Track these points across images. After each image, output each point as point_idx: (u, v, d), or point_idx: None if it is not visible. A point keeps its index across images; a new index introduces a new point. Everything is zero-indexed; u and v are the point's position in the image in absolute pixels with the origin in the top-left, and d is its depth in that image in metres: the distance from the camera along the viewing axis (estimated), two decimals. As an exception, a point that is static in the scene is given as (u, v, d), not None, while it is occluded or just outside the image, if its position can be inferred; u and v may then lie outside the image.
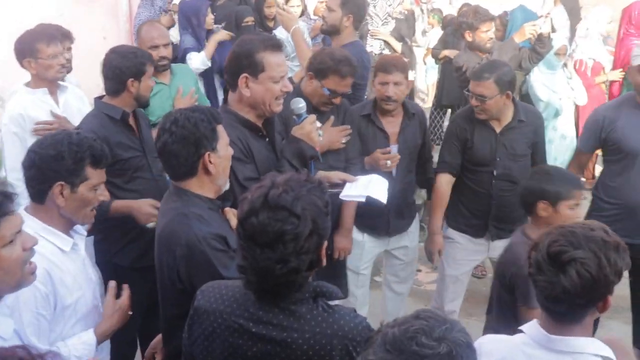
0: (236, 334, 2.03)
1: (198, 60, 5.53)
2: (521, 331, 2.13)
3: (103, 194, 2.64)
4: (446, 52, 7.23)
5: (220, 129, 2.61)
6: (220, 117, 2.64)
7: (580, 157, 4.49)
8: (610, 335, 2.40)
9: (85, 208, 2.57)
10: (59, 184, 2.46)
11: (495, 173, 4.12)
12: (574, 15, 7.20)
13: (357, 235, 4.43)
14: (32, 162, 2.48)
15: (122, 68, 3.59)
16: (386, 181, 3.65)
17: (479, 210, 4.25)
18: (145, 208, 3.43)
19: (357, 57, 4.48)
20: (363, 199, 3.36)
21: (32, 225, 2.41)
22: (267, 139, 3.16)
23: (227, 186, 2.69)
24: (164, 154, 2.58)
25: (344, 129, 3.97)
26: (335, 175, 3.38)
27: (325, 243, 1.99)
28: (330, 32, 4.81)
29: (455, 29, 6.27)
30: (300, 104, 3.23)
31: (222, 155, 2.60)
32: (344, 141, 3.94)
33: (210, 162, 2.54)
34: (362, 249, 4.43)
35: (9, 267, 2.03)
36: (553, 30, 6.07)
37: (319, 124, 3.18)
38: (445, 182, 4.32)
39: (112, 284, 2.70)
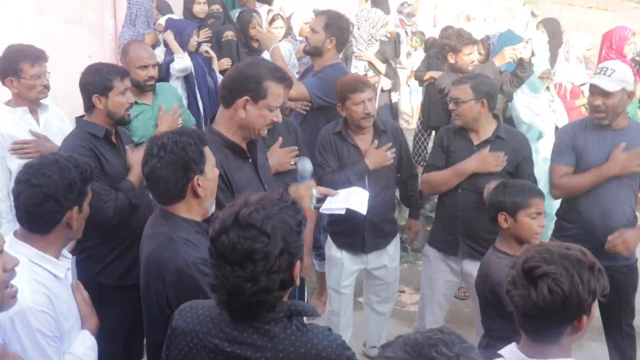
0: (212, 354, 2.03)
1: (183, 62, 5.58)
2: (501, 355, 2.12)
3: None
4: (431, 74, 7.28)
5: (207, 150, 2.61)
6: (206, 139, 2.64)
7: (564, 171, 4.13)
8: None
9: (83, 222, 2.58)
10: (75, 209, 2.47)
11: (461, 184, 4.16)
12: (557, 39, 7.27)
13: (335, 252, 4.49)
14: (46, 196, 2.40)
15: (86, 85, 3.62)
16: (367, 193, 3.72)
17: (448, 223, 4.30)
18: None
19: (335, 76, 4.55)
20: (343, 212, 3.40)
21: (25, 252, 2.39)
22: (250, 160, 3.17)
23: (213, 208, 2.68)
24: (152, 179, 2.56)
25: (291, 149, 4.07)
26: (317, 190, 3.40)
27: (298, 263, 1.99)
28: (312, 53, 4.86)
29: (439, 51, 6.32)
30: (308, 167, 3.28)
31: (209, 177, 2.60)
32: (292, 162, 4.00)
33: (199, 185, 2.54)
34: (341, 267, 4.48)
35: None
36: (533, 54, 6.13)
37: (316, 193, 3.18)
38: (430, 174, 4.37)
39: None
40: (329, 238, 4.57)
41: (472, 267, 3.99)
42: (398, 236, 4.66)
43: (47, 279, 2.43)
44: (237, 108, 3.01)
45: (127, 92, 3.70)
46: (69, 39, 6.56)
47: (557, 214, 4.42)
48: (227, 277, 1.90)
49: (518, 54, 5.43)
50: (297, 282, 2.02)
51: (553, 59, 6.90)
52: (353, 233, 4.35)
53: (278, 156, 4.03)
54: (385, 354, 1.54)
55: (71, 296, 2.58)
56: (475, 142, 4.21)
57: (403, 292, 5.93)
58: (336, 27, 4.72)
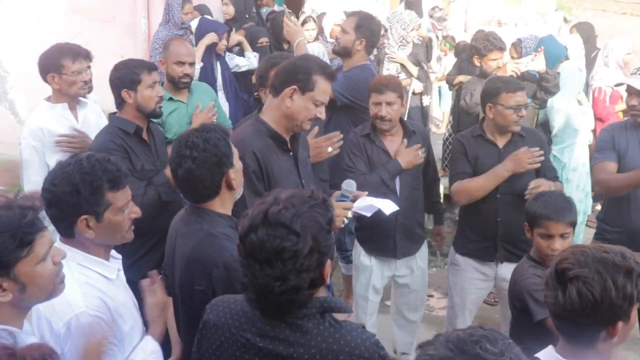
0: (243, 349, 2.02)
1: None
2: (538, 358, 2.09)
3: (133, 211, 2.48)
4: (461, 78, 7.23)
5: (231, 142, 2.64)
6: (229, 132, 2.66)
7: (607, 167, 4.07)
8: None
9: (119, 232, 2.44)
10: (82, 219, 2.32)
11: (499, 188, 4.07)
12: (591, 43, 7.20)
13: (364, 259, 4.42)
14: (49, 202, 2.31)
15: (115, 80, 3.68)
16: (396, 207, 3.64)
17: (486, 230, 4.19)
18: None
19: (362, 77, 4.55)
20: (369, 213, 3.38)
21: (73, 256, 2.32)
22: (291, 154, 3.22)
23: (238, 196, 2.71)
24: (188, 180, 2.54)
25: (330, 137, 3.93)
26: (352, 213, 3.36)
27: (329, 261, 1.96)
28: (342, 54, 4.85)
29: (469, 55, 6.29)
30: (351, 187, 3.25)
31: (237, 168, 2.63)
32: (330, 150, 3.90)
33: (231, 178, 2.56)
34: (370, 274, 4.41)
35: (42, 283, 2.00)
36: (567, 57, 6.07)
37: (350, 214, 3.18)
38: (459, 184, 4.17)
39: (146, 282, 2.60)
40: (357, 244, 4.50)
41: (508, 272, 3.89)
42: (426, 243, 4.61)
43: (98, 281, 2.38)
44: (285, 97, 3.10)
45: (156, 85, 3.73)
46: (102, 38, 6.64)
47: (598, 217, 4.37)
48: (256, 276, 1.89)
49: (522, 68, 5.37)
50: (328, 280, 1.99)
51: (587, 64, 6.82)
52: (384, 237, 4.29)
53: (316, 144, 3.88)
54: (428, 352, 1.52)
55: (127, 297, 2.54)
56: (500, 145, 4.15)
57: (431, 296, 5.88)
58: (367, 28, 4.69)
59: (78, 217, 2.32)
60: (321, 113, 3.16)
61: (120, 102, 3.70)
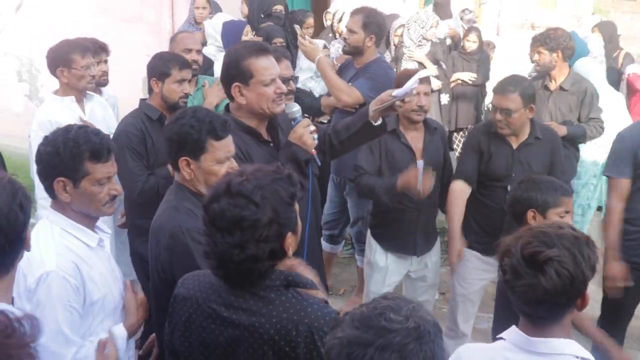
0: (210, 319, 2.09)
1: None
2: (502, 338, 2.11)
3: (113, 188, 2.57)
4: (458, 75, 7.25)
5: (217, 145, 2.64)
6: (223, 130, 2.65)
7: (620, 185, 3.98)
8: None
9: (94, 203, 2.53)
10: (59, 180, 2.45)
11: (509, 189, 4.01)
12: (613, 43, 7.12)
13: (380, 258, 4.38)
14: (37, 160, 2.52)
15: (149, 68, 3.90)
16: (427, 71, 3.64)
17: (491, 227, 4.14)
18: None
19: (383, 72, 4.58)
20: (415, 85, 3.17)
21: (58, 221, 2.50)
22: (271, 144, 3.20)
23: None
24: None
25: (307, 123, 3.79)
26: (385, 94, 3.21)
27: (290, 234, 2.04)
28: (353, 53, 4.87)
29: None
30: (294, 108, 3.22)
31: (204, 166, 2.65)
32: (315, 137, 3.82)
33: (188, 166, 2.64)
34: (385, 273, 4.38)
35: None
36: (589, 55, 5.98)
37: (312, 128, 3.15)
38: (458, 188, 4.20)
39: (127, 282, 2.74)
40: (372, 241, 4.46)
41: None
42: (439, 238, 4.60)
43: (78, 247, 2.51)
44: (236, 97, 3.06)
45: (185, 83, 3.91)
46: (128, 38, 6.82)
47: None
48: (217, 244, 1.98)
49: None
50: (290, 253, 2.06)
51: (610, 63, 6.73)
52: (404, 235, 4.27)
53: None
54: (336, 335, 1.54)
55: (108, 268, 2.65)
56: (515, 146, 4.10)
57: (443, 294, 5.85)
58: (374, 24, 4.72)
59: (55, 178, 2.46)
60: (279, 88, 3.06)
61: (149, 89, 3.92)
